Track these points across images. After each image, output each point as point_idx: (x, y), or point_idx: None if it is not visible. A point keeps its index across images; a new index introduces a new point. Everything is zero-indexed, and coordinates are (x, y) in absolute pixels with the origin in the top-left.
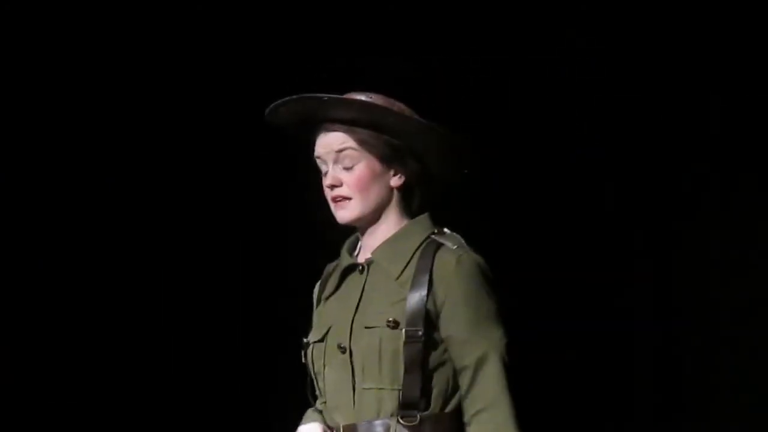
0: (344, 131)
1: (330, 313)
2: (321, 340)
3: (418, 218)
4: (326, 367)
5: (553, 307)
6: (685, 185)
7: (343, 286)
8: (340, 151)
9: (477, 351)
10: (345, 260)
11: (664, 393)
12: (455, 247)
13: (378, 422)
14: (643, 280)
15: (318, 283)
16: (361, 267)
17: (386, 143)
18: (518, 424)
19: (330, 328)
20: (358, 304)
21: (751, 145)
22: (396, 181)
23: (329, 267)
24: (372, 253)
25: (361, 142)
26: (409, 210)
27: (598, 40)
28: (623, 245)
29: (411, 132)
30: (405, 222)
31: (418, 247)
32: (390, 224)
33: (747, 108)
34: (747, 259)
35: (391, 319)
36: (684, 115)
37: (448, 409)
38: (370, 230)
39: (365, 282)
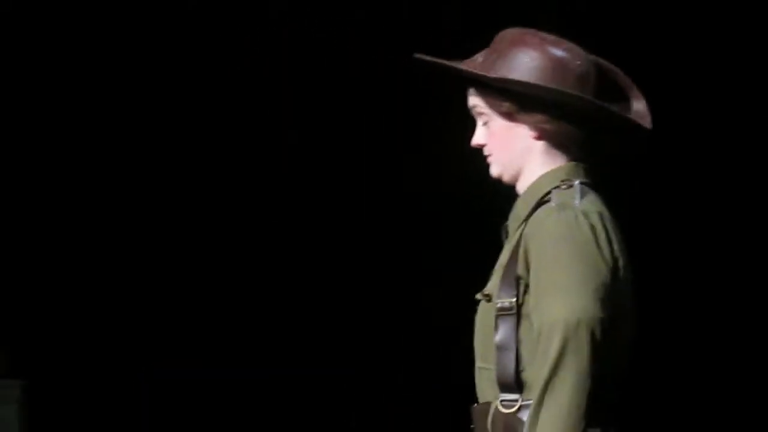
0: (473, 90)
1: None
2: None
3: (552, 170)
4: None
5: None
6: None
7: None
8: (473, 108)
9: (542, 321)
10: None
11: None
12: (556, 204)
13: (481, 405)
14: None
15: None
16: (506, 227)
17: (511, 98)
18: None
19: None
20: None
21: None
22: (534, 133)
23: None
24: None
25: (486, 101)
26: (562, 159)
27: None
28: None
29: (536, 94)
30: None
31: (535, 206)
32: (527, 179)
33: None
34: None
35: (487, 292)
36: None
37: None
38: (517, 185)
39: (503, 245)
